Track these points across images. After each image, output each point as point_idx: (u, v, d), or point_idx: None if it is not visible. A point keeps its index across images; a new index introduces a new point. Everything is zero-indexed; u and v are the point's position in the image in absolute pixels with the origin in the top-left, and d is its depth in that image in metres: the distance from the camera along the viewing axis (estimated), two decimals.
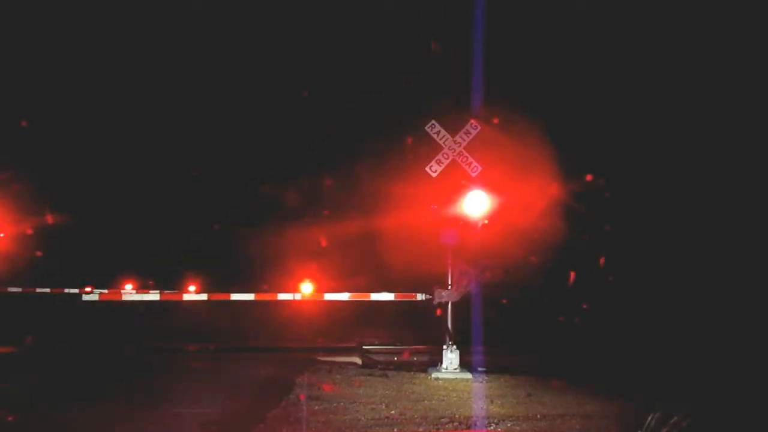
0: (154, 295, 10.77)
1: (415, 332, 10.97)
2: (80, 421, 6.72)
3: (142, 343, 11.15)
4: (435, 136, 9.67)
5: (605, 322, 10.46)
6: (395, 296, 9.88)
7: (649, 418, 6.10)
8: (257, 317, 12.65)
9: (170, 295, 11.25)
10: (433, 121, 9.70)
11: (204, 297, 10.88)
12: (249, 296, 10.19)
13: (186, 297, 11.20)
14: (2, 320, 11.20)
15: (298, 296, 10.12)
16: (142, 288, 13.20)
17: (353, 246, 12.10)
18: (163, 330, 11.76)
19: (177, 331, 11.70)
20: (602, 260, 11.35)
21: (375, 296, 9.92)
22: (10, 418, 6.62)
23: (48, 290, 12.61)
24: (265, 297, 10.24)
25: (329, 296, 10.09)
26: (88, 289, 11.15)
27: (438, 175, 9.61)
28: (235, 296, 10.32)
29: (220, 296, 10.74)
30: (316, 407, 7.13)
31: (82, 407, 7.13)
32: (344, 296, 10.06)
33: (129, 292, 10.86)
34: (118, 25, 13.34)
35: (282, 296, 10.15)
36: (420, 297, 9.74)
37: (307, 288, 10.81)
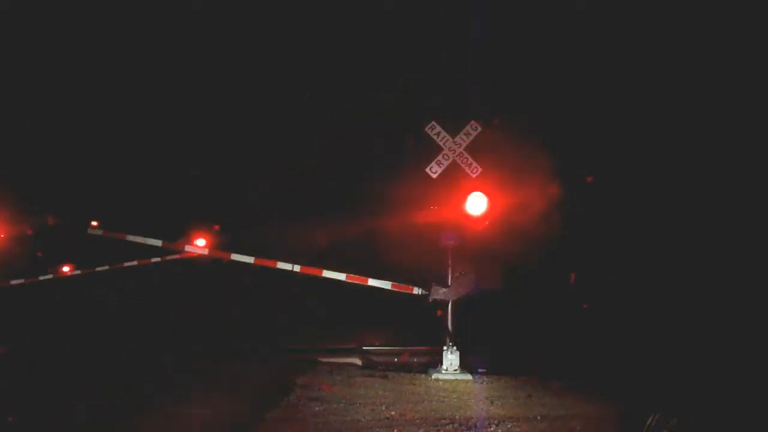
0: (156, 241, 10.84)
1: (415, 333, 10.97)
2: (79, 421, 6.73)
3: (141, 343, 11.12)
4: (435, 137, 9.67)
5: (605, 323, 10.45)
6: (392, 286, 9.89)
7: (650, 420, 6.10)
8: (257, 318, 12.65)
9: (173, 246, 11.38)
10: (434, 122, 9.70)
11: (205, 252, 11.08)
12: (249, 259, 10.40)
13: (188, 248, 11.31)
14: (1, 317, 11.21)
15: (296, 268, 10.22)
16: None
17: (353, 247, 12.10)
18: (162, 330, 11.74)
19: (175, 330, 11.66)
20: (602, 262, 11.35)
21: (372, 282, 9.94)
22: (10, 418, 6.62)
23: (51, 276, 12.71)
24: (265, 263, 10.35)
25: (327, 273, 10.15)
26: (94, 223, 11.18)
27: (438, 176, 9.63)
28: (235, 256, 10.52)
29: (220, 254, 10.94)
30: (316, 408, 7.14)
31: (81, 407, 7.12)
32: (341, 276, 10.10)
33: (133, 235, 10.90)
34: (118, 25, 13.34)
35: (281, 265, 10.29)
36: (417, 291, 9.75)
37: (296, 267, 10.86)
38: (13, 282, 12.42)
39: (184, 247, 11.36)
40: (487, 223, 9.50)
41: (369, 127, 13.19)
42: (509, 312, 10.92)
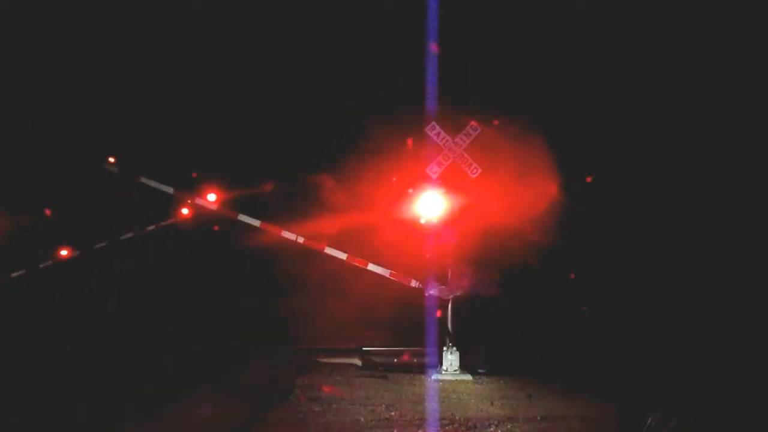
0: (168, 188, 10.95)
1: (415, 333, 10.97)
2: (79, 421, 6.73)
3: (141, 344, 11.10)
4: (435, 137, 9.69)
5: (605, 323, 10.45)
6: (390, 274, 9.96)
7: (650, 420, 6.10)
8: (256, 318, 12.63)
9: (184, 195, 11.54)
10: (434, 123, 9.72)
11: (215, 207, 11.10)
12: (255, 222, 10.59)
13: (198, 202, 11.32)
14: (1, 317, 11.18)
15: (300, 239, 10.37)
16: None
17: (353, 247, 12.07)
18: (162, 330, 11.72)
19: (174, 330, 11.64)
20: (602, 262, 11.34)
21: (372, 267, 10.04)
22: (10, 419, 6.62)
23: (50, 262, 12.81)
24: (270, 228, 10.55)
25: (329, 250, 10.29)
26: (111, 159, 11.27)
27: (437, 177, 9.66)
28: (242, 217, 10.68)
29: (229, 213, 10.93)
30: (316, 408, 7.14)
31: (81, 407, 7.13)
32: (342, 255, 10.23)
33: None
34: (118, 26, 13.33)
35: (286, 234, 10.47)
36: (414, 284, 9.78)
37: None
38: (14, 274, 12.49)
39: (194, 200, 11.36)
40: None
41: (369, 127, 13.18)
42: (509, 312, 10.91)
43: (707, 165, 11.00)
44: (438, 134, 9.67)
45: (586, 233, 11.42)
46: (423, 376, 9.26)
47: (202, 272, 13.71)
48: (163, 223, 13.63)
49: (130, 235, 13.51)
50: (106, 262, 13.40)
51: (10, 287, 12.35)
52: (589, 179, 11.82)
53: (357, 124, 13.25)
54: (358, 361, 10.28)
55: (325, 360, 10.18)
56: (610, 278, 11.23)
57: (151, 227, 13.63)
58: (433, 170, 9.65)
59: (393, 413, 7.02)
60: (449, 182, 9.67)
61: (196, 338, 11.33)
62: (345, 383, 8.57)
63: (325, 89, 13.60)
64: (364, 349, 10.75)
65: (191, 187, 11.74)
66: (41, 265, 12.80)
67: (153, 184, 11.00)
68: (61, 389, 8.09)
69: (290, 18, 13.32)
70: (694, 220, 10.90)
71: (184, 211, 13.63)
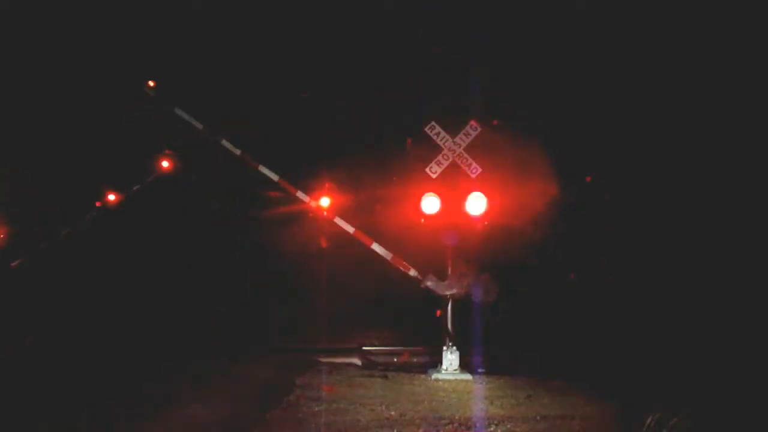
0: (198, 124, 11.01)
1: (415, 333, 10.98)
2: (80, 422, 6.73)
3: (141, 344, 11.11)
4: (435, 137, 9.70)
5: (605, 323, 10.46)
6: (392, 258, 10.03)
7: (649, 420, 6.11)
8: (256, 318, 12.65)
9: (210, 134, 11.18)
10: (433, 122, 9.73)
11: (238, 152, 10.92)
12: (274, 176, 10.67)
13: (224, 143, 11.05)
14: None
15: (313, 203, 10.60)
16: None
17: (354, 247, 12.09)
18: (161, 329, 11.72)
19: (174, 329, 11.63)
20: (602, 261, 11.35)
21: (375, 247, 10.13)
22: (10, 420, 6.63)
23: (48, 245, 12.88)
24: (287, 186, 10.71)
25: (339, 221, 10.41)
26: (151, 83, 11.36)
27: (438, 177, 9.67)
28: (263, 169, 10.71)
29: (251, 163, 10.82)
30: (316, 408, 7.15)
31: (81, 408, 7.13)
32: (350, 229, 10.34)
33: None
34: (117, 26, 13.32)
35: (300, 195, 10.64)
36: (413, 273, 9.82)
37: (325, 201, 11.06)
38: (13, 264, 12.54)
39: (222, 141, 11.16)
40: (486, 223, 9.55)
41: (368, 127, 13.20)
42: (509, 312, 10.93)
43: (707, 165, 11.01)
44: (438, 134, 9.68)
45: (586, 233, 11.43)
46: (423, 376, 9.27)
47: (195, 259, 13.61)
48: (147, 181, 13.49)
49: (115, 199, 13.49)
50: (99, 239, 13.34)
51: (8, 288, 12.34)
52: (588, 179, 11.83)
53: (357, 125, 13.25)
54: (358, 361, 10.30)
55: (325, 359, 10.19)
56: (609, 277, 11.24)
57: (137, 187, 13.52)
58: (433, 170, 9.67)
59: (393, 413, 7.03)
60: (449, 183, 9.70)
61: (195, 338, 11.33)
62: (345, 383, 8.57)
63: (324, 89, 13.61)
64: (364, 348, 10.77)
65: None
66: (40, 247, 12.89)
67: (185, 116, 11.01)
68: (60, 391, 8.08)
69: (290, 18, 13.32)
70: (694, 220, 10.91)
71: (164, 164, 13.43)
